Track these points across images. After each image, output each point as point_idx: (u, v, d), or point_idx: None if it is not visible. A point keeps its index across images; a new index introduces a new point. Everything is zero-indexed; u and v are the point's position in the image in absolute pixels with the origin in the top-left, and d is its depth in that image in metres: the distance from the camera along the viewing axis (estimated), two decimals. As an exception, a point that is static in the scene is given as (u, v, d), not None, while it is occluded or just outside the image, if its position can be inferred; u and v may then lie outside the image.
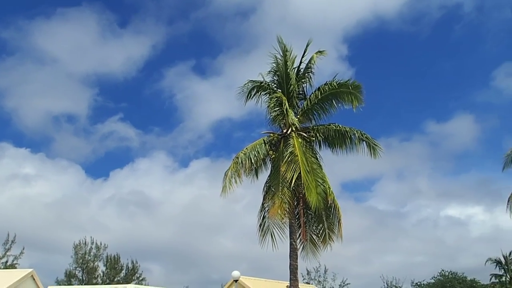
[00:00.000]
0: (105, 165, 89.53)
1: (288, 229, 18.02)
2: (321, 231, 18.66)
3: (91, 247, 45.21)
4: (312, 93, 18.95)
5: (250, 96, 19.42)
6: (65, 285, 39.84)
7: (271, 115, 18.66)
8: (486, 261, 48.47)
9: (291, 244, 17.85)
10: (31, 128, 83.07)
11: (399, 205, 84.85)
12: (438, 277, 50.99)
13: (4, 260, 39.13)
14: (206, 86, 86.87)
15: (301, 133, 18.55)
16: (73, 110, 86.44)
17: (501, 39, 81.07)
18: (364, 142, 18.59)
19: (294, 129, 18.33)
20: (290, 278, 17.91)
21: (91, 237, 45.63)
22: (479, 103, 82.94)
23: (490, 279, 49.14)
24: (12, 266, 38.29)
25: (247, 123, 79.76)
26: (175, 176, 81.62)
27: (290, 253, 17.82)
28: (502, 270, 48.56)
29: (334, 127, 18.71)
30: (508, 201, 25.22)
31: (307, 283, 45.69)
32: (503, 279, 48.45)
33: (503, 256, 48.38)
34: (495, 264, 48.61)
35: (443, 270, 51.52)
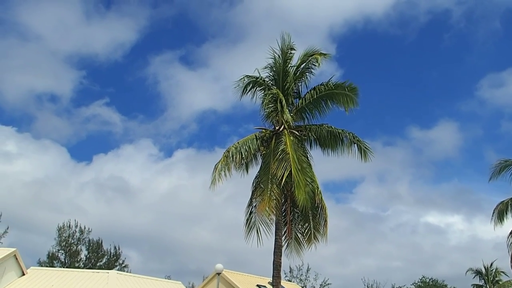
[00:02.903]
0: (90, 148, 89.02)
1: (274, 226, 18.07)
2: (306, 230, 18.73)
3: (74, 230, 45.03)
4: (308, 92, 18.98)
5: (245, 91, 19.38)
6: (47, 266, 39.60)
7: (265, 111, 18.65)
8: (467, 271, 49.06)
9: (276, 241, 17.89)
10: (11, 104, 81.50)
11: (379, 208, 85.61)
12: (418, 283, 51.55)
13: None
14: (191, 76, 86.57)
15: (293, 131, 18.57)
16: (56, 89, 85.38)
17: (487, 50, 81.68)
18: (355, 145, 18.66)
19: (286, 126, 18.35)
20: (273, 274, 17.96)
21: (75, 220, 45.45)
22: (463, 112, 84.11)
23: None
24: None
25: (231, 116, 79.75)
26: (158, 164, 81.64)
27: (274, 250, 17.86)
28: (482, 280, 49.12)
29: (327, 128, 18.76)
30: (493, 212, 25.45)
31: (289, 280, 45.91)
32: (484, 289, 48.99)
33: (484, 267, 48.94)
34: (475, 274, 49.17)
35: (424, 277, 52.14)
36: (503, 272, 47.23)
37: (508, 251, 24.80)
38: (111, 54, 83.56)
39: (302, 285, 47.70)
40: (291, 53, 18.94)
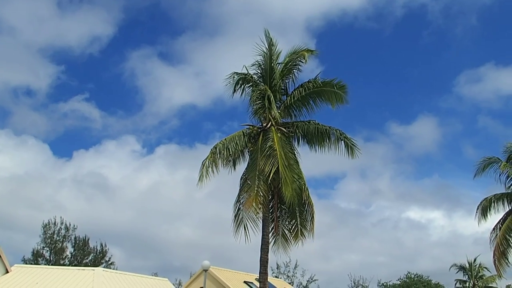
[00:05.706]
0: (70, 144, 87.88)
1: (261, 222, 18.10)
2: (293, 227, 18.78)
3: (60, 227, 44.54)
4: (295, 89, 19.01)
5: (236, 89, 19.30)
6: (31, 264, 39.13)
7: (253, 108, 18.65)
8: (451, 267, 49.78)
9: (263, 237, 17.93)
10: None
11: (361, 204, 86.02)
12: (403, 279, 52.06)
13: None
14: (169, 71, 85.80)
15: (280, 128, 18.59)
16: (32, 83, 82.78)
17: (464, 46, 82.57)
18: (342, 142, 18.73)
19: (274, 123, 18.36)
20: (259, 271, 18.01)
21: (60, 217, 44.94)
22: (442, 107, 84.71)
23: (455, 284, 50.47)
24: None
25: (211, 111, 79.64)
26: (139, 160, 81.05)
27: (261, 246, 17.90)
28: (466, 276, 49.88)
29: (314, 125, 18.80)
30: (477, 209, 25.77)
31: (276, 277, 46.04)
32: (467, 284, 49.73)
33: (468, 262, 49.67)
34: (458, 269, 49.92)
35: (409, 272, 52.67)
36: (485, 267, 48.01)
37: (490, 247, 25.14)
38: (87, 48, 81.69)
39: (289, 282, 47.87)
40: (271, 48, 18.88)
